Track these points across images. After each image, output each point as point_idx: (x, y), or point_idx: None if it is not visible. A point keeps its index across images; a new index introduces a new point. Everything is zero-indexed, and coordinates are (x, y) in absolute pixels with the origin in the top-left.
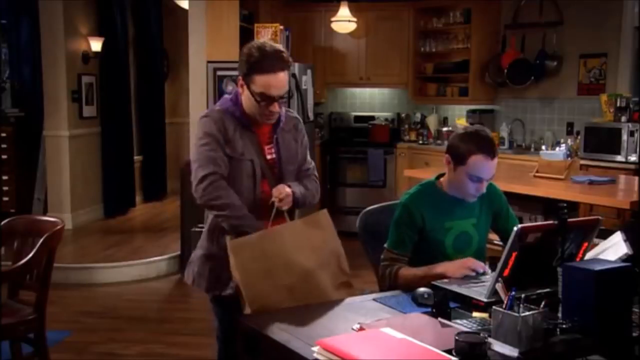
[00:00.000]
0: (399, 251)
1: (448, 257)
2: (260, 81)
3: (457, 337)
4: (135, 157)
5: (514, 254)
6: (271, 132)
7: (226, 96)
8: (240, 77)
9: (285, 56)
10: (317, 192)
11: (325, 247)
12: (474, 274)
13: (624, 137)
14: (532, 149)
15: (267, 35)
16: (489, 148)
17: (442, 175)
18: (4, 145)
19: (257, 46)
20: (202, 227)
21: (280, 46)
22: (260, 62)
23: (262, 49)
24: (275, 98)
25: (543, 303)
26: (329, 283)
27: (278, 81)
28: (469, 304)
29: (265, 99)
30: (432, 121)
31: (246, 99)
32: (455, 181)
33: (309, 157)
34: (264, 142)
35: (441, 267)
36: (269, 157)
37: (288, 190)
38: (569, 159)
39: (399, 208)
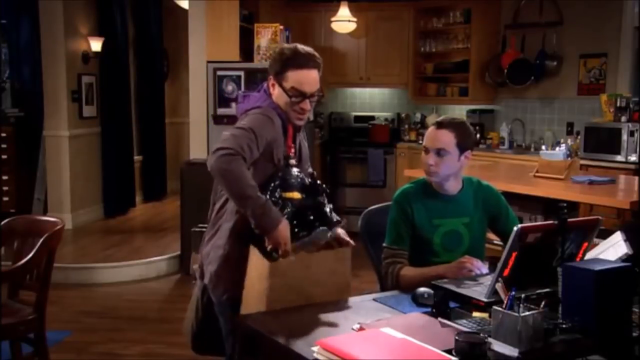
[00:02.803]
0: (398, 247)
1: (437, 255)
2: (293, 77)
3: (457, 337)
4: (135, 157)
5: (514, 254)
6: (294, 132)
7: (257, 94)
8: (271, 77)
9: (317, 56)
10: None
11: (333, 280)
12: (473, 274)
13: (624, 137)
14: (532, 149)
15: (267, 35)
16: (439, 121)
17: None
18: (4, 145)
19: (289, 47)
20: (202, 227)
21: (311, 49)
22: (293, 58)
23: (295, 48)
24: (307, 94)
25: (543, 303)
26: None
27: (310, 78)
28: (469, 304)
29: (296, 94)
30: (432, 121)
31: (277, 97)
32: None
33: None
34: (288, 144)
35: (441, 269)
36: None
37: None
38: (569, 159)
39: (392, 205)
